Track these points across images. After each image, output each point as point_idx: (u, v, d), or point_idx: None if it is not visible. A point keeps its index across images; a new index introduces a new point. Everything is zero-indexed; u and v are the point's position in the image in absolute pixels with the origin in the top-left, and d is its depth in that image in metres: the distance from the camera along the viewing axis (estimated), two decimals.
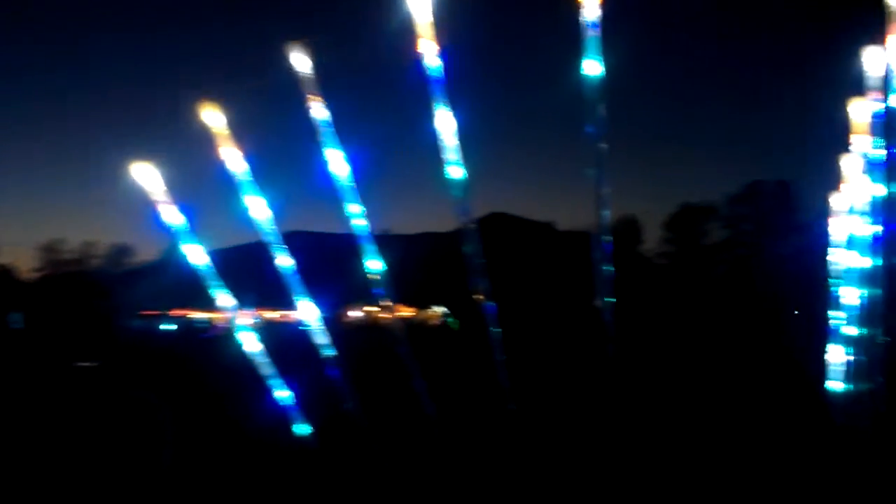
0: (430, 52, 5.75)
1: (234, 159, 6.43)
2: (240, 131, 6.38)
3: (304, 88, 6.36)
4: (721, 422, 10.48)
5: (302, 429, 7.49)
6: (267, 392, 7.22)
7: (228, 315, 7.02)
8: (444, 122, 6.10)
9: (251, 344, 7.04)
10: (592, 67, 5.50)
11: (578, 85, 5.57)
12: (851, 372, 8.04)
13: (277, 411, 7.32)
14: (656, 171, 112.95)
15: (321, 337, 7.32)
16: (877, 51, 6.89)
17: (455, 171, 6.28)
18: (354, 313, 48.14)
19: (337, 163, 6.52)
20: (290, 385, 7.32)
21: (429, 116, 6.07)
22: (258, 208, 6.61)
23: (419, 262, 46.49)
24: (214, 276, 6.60)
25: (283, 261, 6.90)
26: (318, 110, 6.39)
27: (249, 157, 6.50)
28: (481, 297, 7.03)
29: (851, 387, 8.05)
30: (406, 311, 43.55)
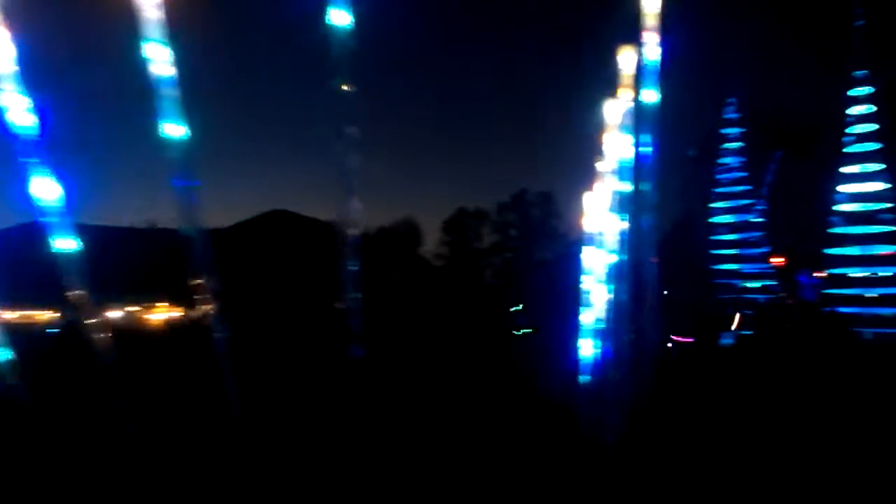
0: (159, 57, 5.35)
1: None
2: None
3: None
4: (460, 418, 10.97)
5: None
6: None
7: None
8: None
9: None
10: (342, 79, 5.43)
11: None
12: (600, 365, 8.90)
13: None
14: (440, 176, 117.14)
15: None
16: (630, 52, 7.63)
17: (173, 128, 5.70)
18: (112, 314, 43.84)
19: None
20: None
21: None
22: None
23: (188, 259, 43.79)
24: None
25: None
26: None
27: None
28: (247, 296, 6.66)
29: (599, 379, 8.94)
30: (174, 310, 40.71)
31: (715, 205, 46.72)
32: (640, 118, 7.58)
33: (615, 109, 7.84)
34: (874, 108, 37.69)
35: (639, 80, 7.52)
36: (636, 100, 7.44)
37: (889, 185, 37.97)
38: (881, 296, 38.08)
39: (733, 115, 45.47)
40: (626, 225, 8.09)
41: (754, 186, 47.65)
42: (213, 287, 6.51)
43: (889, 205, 38.16)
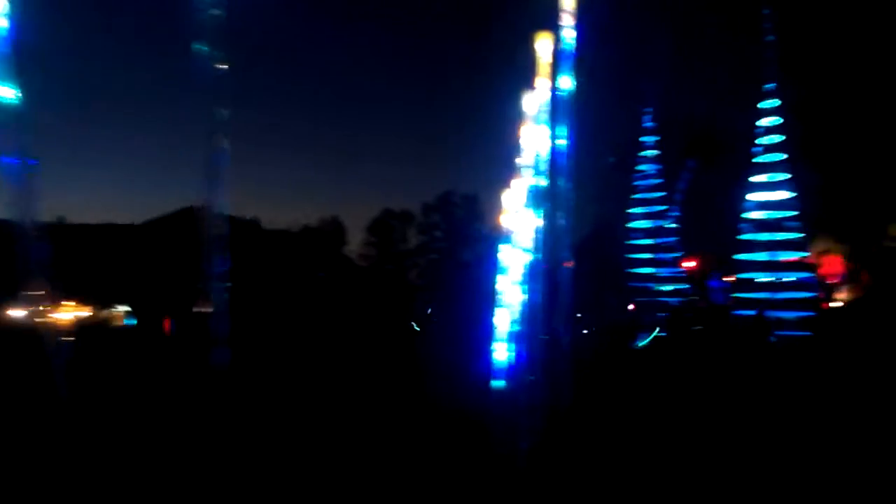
0: None
1: None
2: None
3: None
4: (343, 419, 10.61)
5: None
6: None
7: None
8: None
9: None
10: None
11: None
12: (514, 368, 8.73)
13: None
14: (367, 176, 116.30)
15: None
16: (546, 41, 7.50)
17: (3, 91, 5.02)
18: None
19: None
20: None
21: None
22: None
23: (101, 256, 41.91)
24: None
25: None
26: None
27: None
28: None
29: (512, 383, 8.76)
30: (81, 310, 38.79)
31: (632, 210, 48.00)
32: (556, 111, 7.47)
33: (532, 101, 7.71)
34: (781, 120, 39.52)
35: (555, 71, 7.42)
36: (553, 90, 7.33)
37: (794, 195, 39.83)
38: (785, 300, 39.85)
39: (650, 124, 46.88)
40: (541, 222, 7.96)
41: (669, 193, 49.27)
42: (54, 287, 5.94)
43: (794, 213, 40.02)
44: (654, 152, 47.35)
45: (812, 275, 44.44)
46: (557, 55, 7.34)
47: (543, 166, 7.75)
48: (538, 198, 7.80)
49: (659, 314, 45.05)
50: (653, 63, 47.70)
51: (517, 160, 8.19)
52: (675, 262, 49.42)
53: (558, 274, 8.45)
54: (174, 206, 53.17)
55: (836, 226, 52.77)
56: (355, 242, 65.54)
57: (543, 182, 7.84)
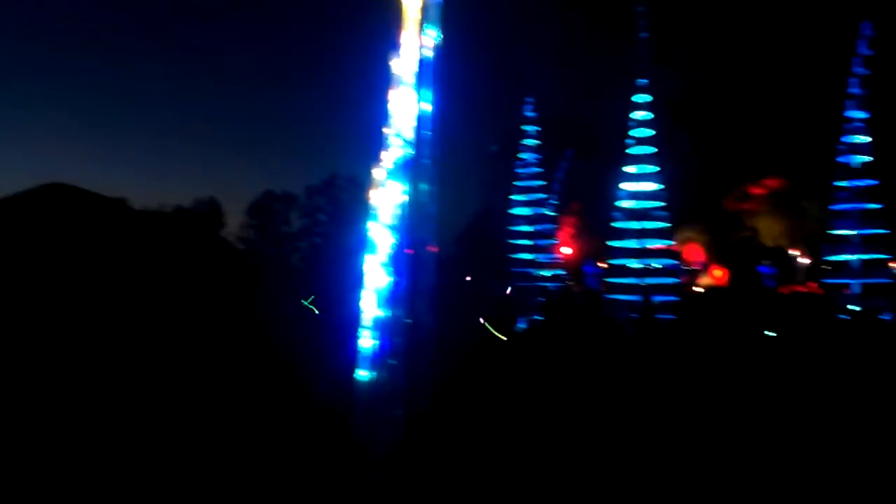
0: None
1: None
2: None
3: None
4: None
5: None
6: None
7: None
8: None
9: None
10: None
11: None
12: (378, 357, 8.60)
13: None
14: (250, 157, 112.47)
15: None
16: (408, 47, 7.45)
17: None
18: None
19: None
20: None
21: None
22: None
23: None
24: None
25: None
26: None
27: None
28: None
29: (376, 373, 8.60)
30: None
31: (514, 198, 49.18)
32: (422, 76, 7.39)
33: (399, 65, 7.61)
34: (652, 115, 41.61)
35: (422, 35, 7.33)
36: (421, 61, 7.25)
37: (662, 186, 42.11)
38: (653, 285, 42.12)
39: (531, 115, 48.09)
40: (405, 197, 7.88)
41: (549, 182, 50.84)
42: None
43: (662, 203, 42.33)
44: (535, 142, 48.64)
45: (676, 262, 47.34)
46: (422, 22, 7.27)
47: (409, 133, 7.66)
48: (402, 170, 7.69)
49: (539, 299, 46.55)
50: (536, 55, 48.89)
51: (385, 130, 8.06)
52: (554, 249, 51.15)
53: (422, 255, 8.38)
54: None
55: (699, 216, 56.43)
56: (235, 224, 63.32)
57: (408, 151, 7.75)
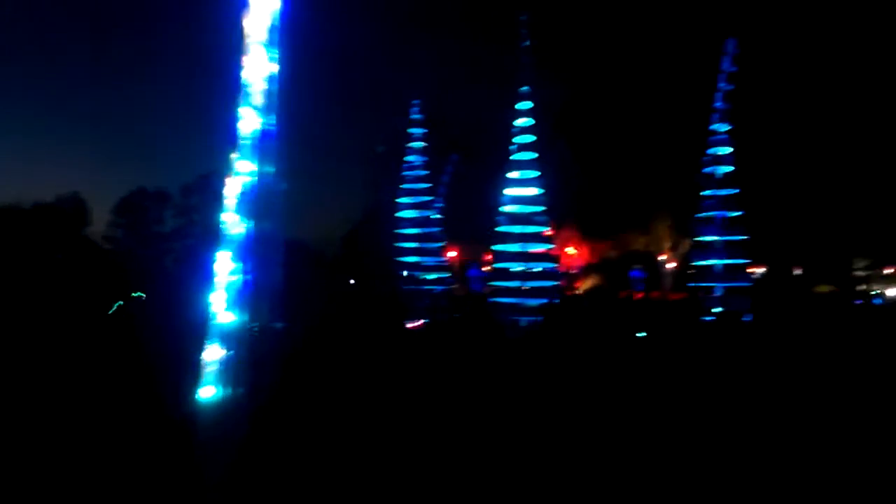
0: None
1: None
2: None
3: None
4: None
5: None
6: None
7: None
8: None
9: None
10: None
11: None
12: (223, 368, 7.72)
13: None
14: (121, 154, 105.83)
15: None
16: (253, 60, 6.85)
17: None
18: None
19: None
20: None
21: None
22: None
23: None
24: None
25: None
26: None
27: None
28: None
29: (222, 392, 7.68)
30: None
31: (399, 200, 48.81)
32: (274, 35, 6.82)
33: (250, 74, 7.02)
34: (533, 122, 42.42)
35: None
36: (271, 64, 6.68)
37: (542, 191, 43.02)
38: (534, 288, 42.92)
39: (417, 116, 47.87)
40: (252, 179, 7.24)
41: (434, 184, 50.87)
42: None
43: (542, 208, 43.24)
44: (421, 144, 48.49)
45: (556, 265, 48.59)
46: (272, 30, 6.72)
47: (260, 100, 7.03)
48: (253, 147, 7.04)
49: (423, 301, 46.39)
50: (424, 59, 48.75)
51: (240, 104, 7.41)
52: (439, 252, 51.22)
53: (272, 252, 7.71)
54: None
55: (578, 221, 58.39)
56: (102, 223, 59.25)
57: (259, 123, 7.11)
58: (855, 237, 67.11)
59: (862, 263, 73.75)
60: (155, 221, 60.52)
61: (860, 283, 74.61)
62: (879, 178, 63.52)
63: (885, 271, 73.40)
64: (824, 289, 69.65)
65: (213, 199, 65.38)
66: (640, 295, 55.22)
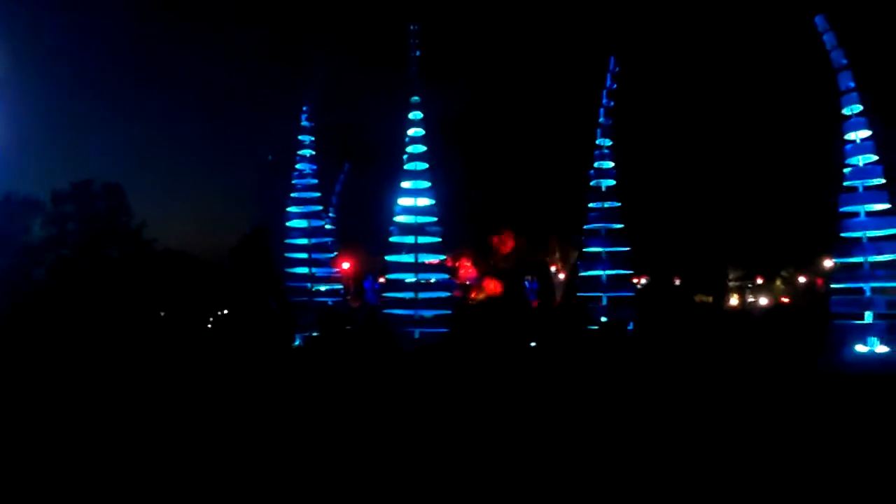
0: None
1: None
2: None
3: None
4: None
5: None
6: None
7: None
8: None
9: None
10: None
11: None
12: None
13: None
14: None
15: None
16: None
17: None
18: None
19: None
20: None
21: None
22: None
23: None
24: None
25: None
26: None
27: None
28: None
29: None
30: None
31: (289, 209, 47.45)
32: None
33: None
34: (424, 132, 42.44)
35: None
36: None
37: (434, 202, 43.05)
38: (427, 299, 42.75)
39: (307, 124, 46.75)
40: None
41: (326, 194, 49.82)
42: None
43: (435, 219, 43.24)
44: (311, 152, 47.38)
45: (449, 276, 48.71)
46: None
47: None
48: None
49: (315, 314, 45.24)
50: (315, 64, 47.78)
51: None
52: (331, 263, 50.17)
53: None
54: None
55: (470, 233, 59.04)
56: None
57: None
58: (729, 249, 71.52)
59: (735, 274, 78.70)
60: (21, 230, 56.22)
61: (734, 292, 79.48)
62: (750, 194, 68.05)
63: (758, 281, 78.67)
64: (702, 298, 73.69)
65: (90, 208, 61.64)
66: (534, 304, 56.37)
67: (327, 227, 50.26)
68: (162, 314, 57.85)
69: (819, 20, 35.15)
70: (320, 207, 48.06)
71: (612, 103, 42.34)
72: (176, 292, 58.11)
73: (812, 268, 69.40)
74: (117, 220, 61.40)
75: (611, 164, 42.87)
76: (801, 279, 74.05)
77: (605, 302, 42.67)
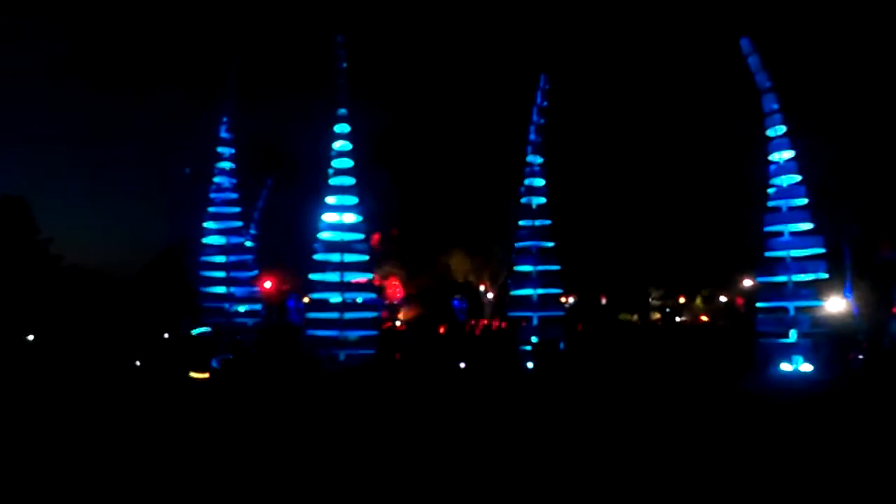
0: None
1: None
2: None
3: None
4: None
5: None
6: None
7: None
8: None
9: None
10: None
11: None
12: None
13: None
14: None
15: None
16: None
17: None
18: None
19: None
20: None
21: None
22: None
23: None
24: None
25: None
26: None
27: None
28: None
29: None
30: None
31: (206, 225, 44.94)
32: None
33: None
34: (351, 146, 40.99)
35: None
36: None
37: (361, 219, 41.56)
38: (353, 320, 41.09)
39: (226, 135, 44.53)
40: None
41: (246, 209, 47.52)
42: None
43: (362, 236, 41.72)
44: (231, 165, 45.09)
45: (376, 296, 47.13)
46: None
47: None
48: None
49: (233, 336, 42.80)
50: (235, 72, 45.50)
51: None
52: (252, 282, 47.77)
53: None
54: None
55: (399, 251, 57.73)
56: None
57: None
58: (651, 269, 72.84)
59: (657, 293, 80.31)
60: None
61: (655, 312, 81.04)
62: (674, 214, 69.52)
63: (680, 300, 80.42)
64: (626, 316, 74.70)
65: None
66: (466, 324, 55.39)
67: (248, 244, 47.90)
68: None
69: (744, 43, 35.84)
70: (240, 223, 45.74)
71: (542, 121, 42.00)
72: (80, 309, 54.52)
73: (732, 287, 71.38)
74: (19, 235, 57.43)
75: (542, 182, 42.43)
76: (722, 298, 76.14)
77: (535, 322, 41.98)
